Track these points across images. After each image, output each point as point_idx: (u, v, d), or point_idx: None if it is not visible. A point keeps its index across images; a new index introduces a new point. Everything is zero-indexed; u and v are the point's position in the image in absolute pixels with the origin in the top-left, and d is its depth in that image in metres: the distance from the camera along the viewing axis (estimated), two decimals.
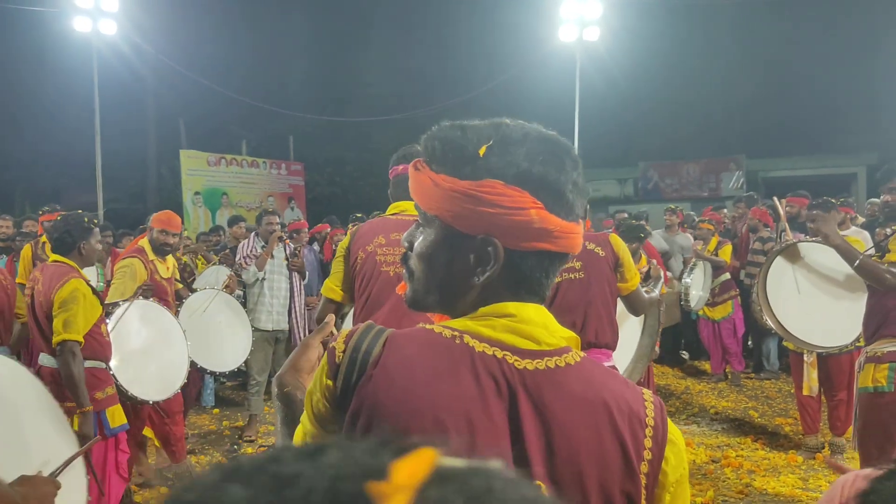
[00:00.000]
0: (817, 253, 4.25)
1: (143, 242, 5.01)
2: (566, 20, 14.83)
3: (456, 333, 0.95)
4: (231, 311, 5.25)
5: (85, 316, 3.64)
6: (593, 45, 15.22)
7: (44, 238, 6.10)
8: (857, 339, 4.00)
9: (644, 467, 0.94)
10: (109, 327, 4.01)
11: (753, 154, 21.34)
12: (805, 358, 5.14)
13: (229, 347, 5.16)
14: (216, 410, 6.90)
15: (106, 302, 4.40)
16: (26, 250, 6.22)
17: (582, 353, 0.99)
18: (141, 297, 4.42)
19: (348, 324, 5.18)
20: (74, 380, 3.52)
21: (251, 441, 5.90)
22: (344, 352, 0.96)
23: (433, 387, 0.91)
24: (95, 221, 3.96)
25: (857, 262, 3.62)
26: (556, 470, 0.91)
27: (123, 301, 4.28)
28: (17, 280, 6.11)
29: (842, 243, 3.74)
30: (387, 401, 0.91)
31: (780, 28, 22.01)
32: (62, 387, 3.48)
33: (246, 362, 5.84)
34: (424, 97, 21.82)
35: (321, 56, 25.31)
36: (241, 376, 7.65)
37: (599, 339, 3.21)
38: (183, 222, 12.37)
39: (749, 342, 8.19)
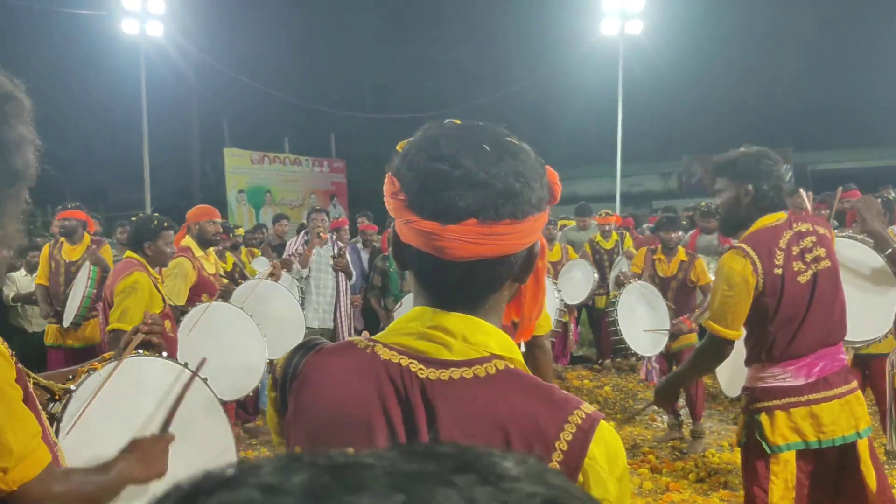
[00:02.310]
0: (843, 248, 4.13)
1: (187, 241, 4.97)
2: (608, 13, 14.69)
3: (370, 343, 1.01)
4: (281, 300, 5.19)
5: (140, 309, 3.61)
6: (636, 37, 15.04)
7: (62, 238, 6.04)
8: (886, 335, 3.85)
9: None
10: (186, 331, 3.97)
11: (801, 147, 20.85)
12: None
13: (283, 337, 5.10)
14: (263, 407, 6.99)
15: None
16: (44, 250, 6.12)
17: (503, 366, 0.96)
18: (220, 300, 4.39)
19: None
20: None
21: None
22: (281, 366, 1.07)
23: (337, 393, 0.99)
24: (166, 224, 4.00)
25: (891, 249, 3.42)
26: None
27: (201, 304, 4.19)
28: (37, 281, 6.09)
29: (879, 229, 3.48)
30: (302, 406, 1.02)
31: (829, 17, 21.45)
32: None
33: None
34: (465, 92, 21.79)
35: (361, 53, 25.47)
36: None
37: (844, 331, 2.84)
38: (227, 220, 12.57)
39: None
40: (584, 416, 0.94)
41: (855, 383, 2.76)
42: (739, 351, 2.86)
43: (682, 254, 5.74)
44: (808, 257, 2.68)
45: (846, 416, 2.66)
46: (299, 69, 23.83)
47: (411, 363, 0.96)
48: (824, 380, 2.66)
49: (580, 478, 0.93)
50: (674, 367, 5.43)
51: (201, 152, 23.38)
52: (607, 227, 8.03)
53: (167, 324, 3.84)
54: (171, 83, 19.52)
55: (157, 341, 2.17)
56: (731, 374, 3.34)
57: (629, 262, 7.42)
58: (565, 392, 0.99)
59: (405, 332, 1.00)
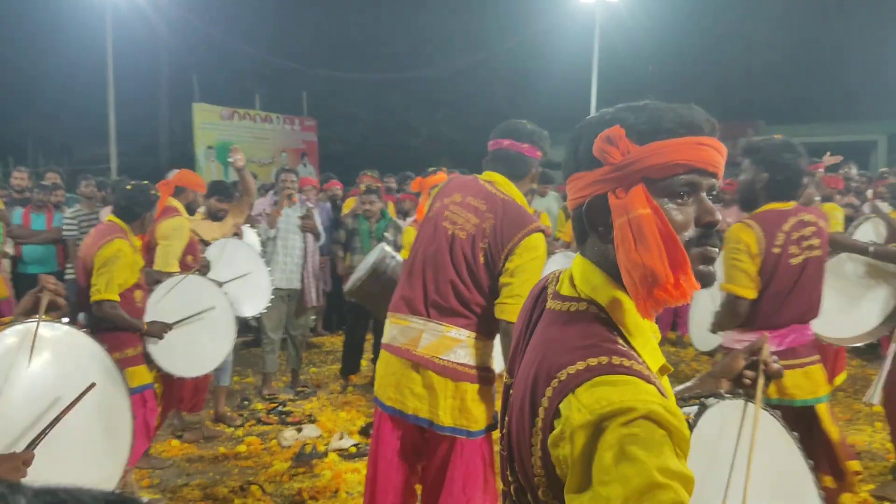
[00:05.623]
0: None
1: (173, 202, 4.84)
2: None
3: (563, 270, 1.21)
4: (248, 259, 5.19)
5: (122, 276, 3.68)
6: (613, 5, 14.96)
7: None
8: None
9: (541, 414, 0.98)
10: (158, 296, 4.01)
11: (773, 120, 21.01)
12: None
13: (249, 296, 5.09)
14: None
15: (156, 266, 4.40)
16: None
17: (586, 308, 1.06)
18: (197, 273, 4.35)
19: None
20: (125, 323, 3.70)
21: (270, 398, 5.96)
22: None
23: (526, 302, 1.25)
24: (157, 193, 4.09)
25: (872, 249, 3.73)
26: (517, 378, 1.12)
27: (178, 274, 4.20)
28: None
29: (844, 240, 3.85)
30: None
31: None
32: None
33: (259, 321, 5.80)
34: (440, 55, 21.55)
35: (336, 12, 24.98)
36: (250, 333, 7.66)
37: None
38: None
39: None
40: (588, 365, 0.95)
41: (818, 356, 3.03)
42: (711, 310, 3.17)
43: None
44: (805, 244, 2.95)
45: (808, 383, 2.93)
46: (272, 25, 23.34)
47: (552, 292, 1.16)
48: (792, 350, 2.93)
49: (561, 407, 0.94)
50: None
51: (170, 107, 22.86)
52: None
53: (138, 294, 3.81)
54: (140, 36, 19.00)
55: (63, 303, 2.38)
56: (704, 331, 3.55)
57: None
58: (610, 346, 0.98)
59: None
